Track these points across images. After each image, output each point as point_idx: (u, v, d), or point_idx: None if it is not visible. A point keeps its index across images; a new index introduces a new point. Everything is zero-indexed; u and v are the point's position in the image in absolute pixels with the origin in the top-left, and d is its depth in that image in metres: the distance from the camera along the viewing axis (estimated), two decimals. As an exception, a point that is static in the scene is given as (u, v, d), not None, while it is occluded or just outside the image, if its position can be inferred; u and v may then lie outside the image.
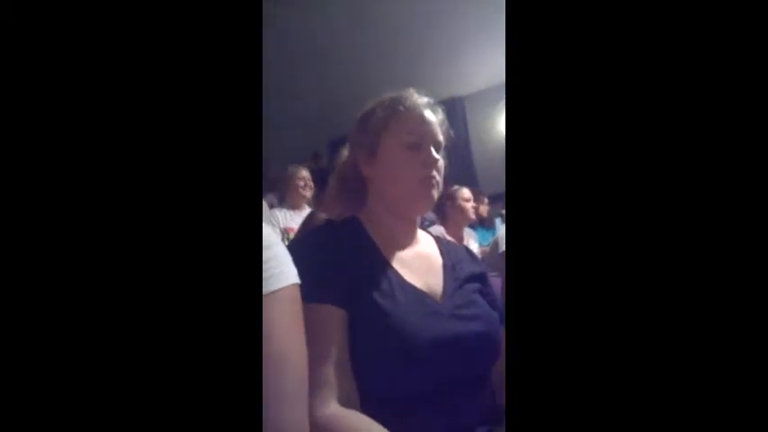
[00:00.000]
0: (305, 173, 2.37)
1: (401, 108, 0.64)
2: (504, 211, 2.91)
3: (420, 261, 0.65)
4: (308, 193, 2.37)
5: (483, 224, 3.09)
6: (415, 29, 3.18)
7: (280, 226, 2.21)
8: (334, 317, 0.53)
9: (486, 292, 0.68)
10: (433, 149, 0.63)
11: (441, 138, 0.66)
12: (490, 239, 2.51)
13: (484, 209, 3.07)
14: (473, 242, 2.30)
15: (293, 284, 0.42)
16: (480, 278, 0.69)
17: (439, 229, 2.02)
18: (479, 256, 2.47)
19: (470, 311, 0.61)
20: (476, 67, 3.81)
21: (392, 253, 0.63)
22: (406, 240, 0.67)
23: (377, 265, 0.60)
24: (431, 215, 2.71)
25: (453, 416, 0.54)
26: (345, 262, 0.58)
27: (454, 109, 4.23)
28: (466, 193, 2.16)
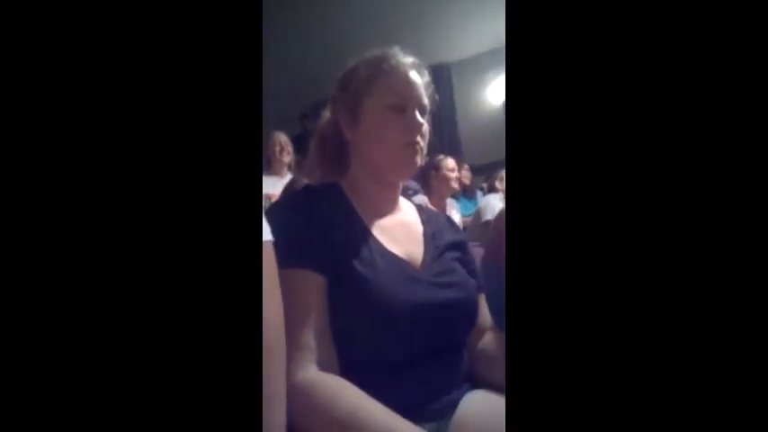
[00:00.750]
0: (282, 137, 2.30)
1: (385, 67, 0.61)
2: (485, 185, 2.93)
3: (401, 229, 0.65)
4: (287, 159, 2.31)
5: (465, 194, 3.10)
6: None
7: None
8: (313, 282, 0.53)
9: (465, 261, 0.68)
10: (417, 113, 0.61)
11: (426, 101, 0.63)
12: (472, 210, 2.54)
13: (465, 176, 3.07)
14: (455, 212, 2.32)
15: (266, 241, 0.42)
16: (460, 246, 0.69)
17: (422, 199, 2.02)
18: (461, 227, 2.49)
19: (449, 279, 0.61)
20: (465, 34, 3.72)
21: (373, 220, 0.63)
22: (388, 208, 0.66)
23: (357, 232, 0.60)
24: (414, 184, 2.71)
25: (430, 380, 0.56)
26: (325, 228, 0.57)
27: (441, 76, 4.16)
28: (450, 162, 2.16)
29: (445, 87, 4.19)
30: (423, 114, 0.62)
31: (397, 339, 0.54)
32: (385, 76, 0.61)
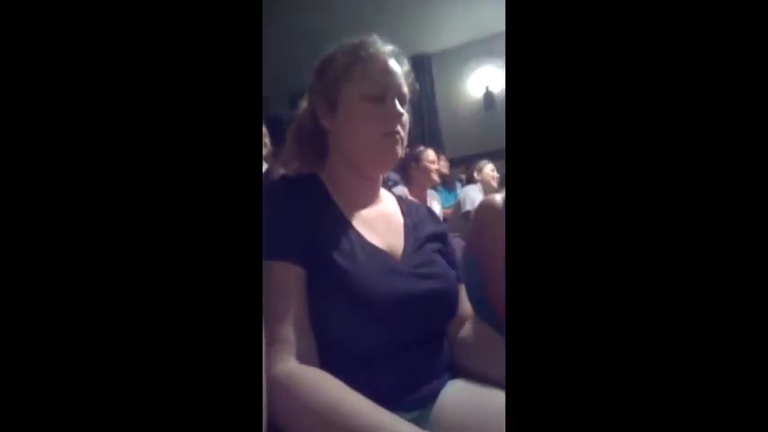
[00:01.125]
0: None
1: (363, 55, 0.59)
2: (463, 176, 2.95)
3: (381, 220, 0.65)
4: (263, 151, 2.27)
5: (445, 186, 3.12)
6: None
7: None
8: (293, 274, 0.52)
9: (445, 252, 0.68)
10: (397, 102, 0.59)
11: (406, 90, 0.62)
12: (452, 201, 2.56)
13: (444, 168, 3.09)
14: (436, 204, 2.33)
15: None
16: (440, 238, 0.69)
17: (402, 190, 2.02)
18: (441, 218, 2.50)
19: (429, 270, 0.61)
20: (446, 24, 3.71)
21: (353, 211, 0.62)
22: (368, 199, 0.66)
23: (337, 224, 0.59)
24: (395, 176, 2.71)
25: (411, 370, 0.56)
26: (303, 219, 0.56)
27: (422, 66, 4.14)
28: (431, 154, 2.16)
29: (425, 78, 4.19)
30: (403, 104, 0.61)
31: (377, 331, 0.54)
32: (363, 63, 0.59)
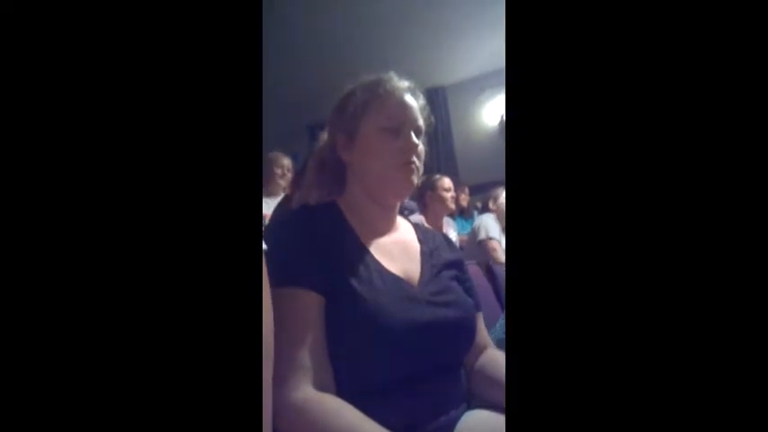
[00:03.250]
0: (286, 161, 2.31)
1: (381, 91, 0.63)
2: (479, 204, 2.94)
3: (398, 247, 0.65)
4: (284, 182, 2.32)
5: (462, 214, 3.12)
6: (398, 17, 3.15)
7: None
8: (311, 301, 0.53)
9: (462, 279, 0.69)
10: (413, 134, 0.63)
11: (421, 123, 0.65)
12: (469, 229, 2.54)
13: (464, 199, 3.09)
14: (452, 231, 2.33)
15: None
16: (457, 265, 0.70)
17: (419, 218, 2.03)
18: (458, 245, 2.48)
19: (446, 298, 0.61)
20: (458, 57, 3.80)
21: (370, 239, 0.63)
22: (385, 227, 0.67)
23: (355, 251, 0.60)
24: (411, 204, 2.72)
25: (428, 400, 0.55)
26: (322, 246, 0.57)
27: (436, 98, 4.22)
28: (447, 182, 2.17)
29: (441, 109, 4.26)
30: (418, 136, 0.64)
31: (394, 359, 0.53)
32: (380, 99, 0.63)
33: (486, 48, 3.51)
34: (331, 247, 0.58)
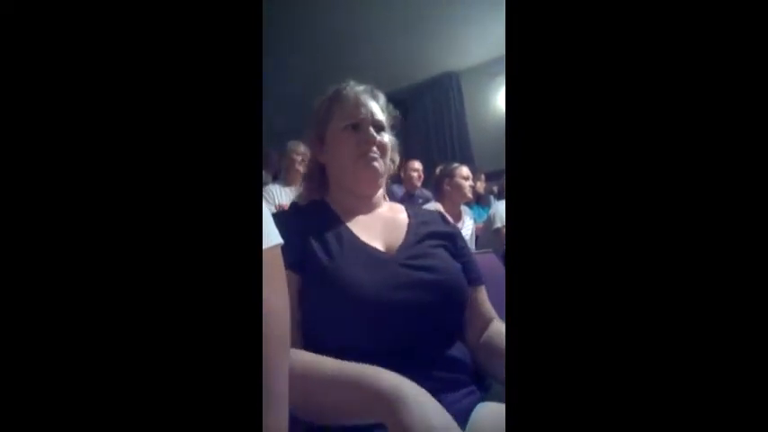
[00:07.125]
0: (303, 148, 2.35)
1: (341, 96, 0.72)
2: (495, 188, 2.91)
3: (382, 223, 0.69)
4: (303, 168, 2.35)
5: (479, 202, 3.10)
6: (412, 2, 3.11)
7: (274, 203, 2.21)
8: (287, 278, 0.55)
9: (454, 251, 0.69)
10: (371, 128, 0.69)
11: (381, 118, 0.71)
12: (485, 217, 2.53)
13: (481, 186, 3.07)
14: (468, 219, 2.32)
15: (276, 245, 0.44)
16: (447, 237, 0.70)
17: (435, 206, 2.02)
18: (474, 234, 2.46)
19: (423, 262, 0.62)
20: (472, 41, 3.74)
21: (352, 219, 0.68)
22: (369, 212, 0.72)
23: (336, 232, 0.64)
24: (426, 192, 2.71)
25: (417, 369, 0.51)
26: (304, 231, 0.62)
27: (450, 84, 4.17)
28: (464, 170, 2.16)
29: (454, 95, 4.21)
30: (378, 130, 0.70)
31: (370, 325, 0.54)
32: (340, 102, 0.71)
33: (501, 32, 3.45)
34: (311, 230, 0.63)
